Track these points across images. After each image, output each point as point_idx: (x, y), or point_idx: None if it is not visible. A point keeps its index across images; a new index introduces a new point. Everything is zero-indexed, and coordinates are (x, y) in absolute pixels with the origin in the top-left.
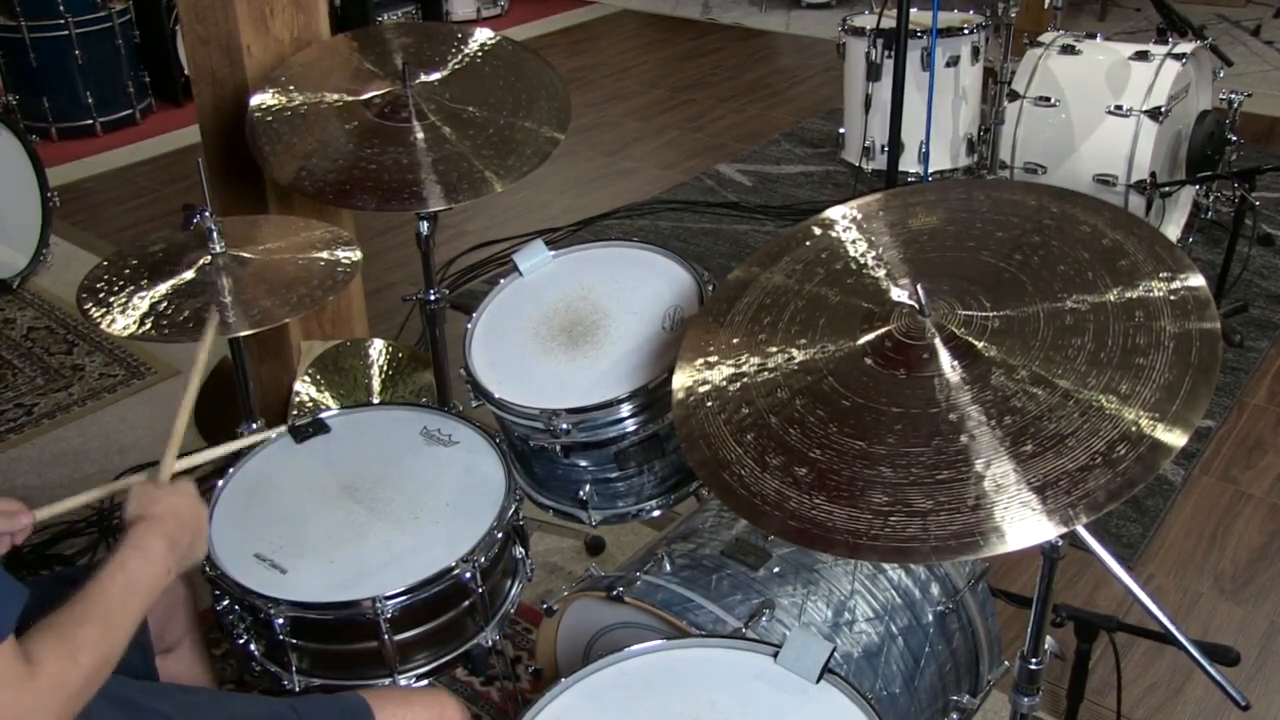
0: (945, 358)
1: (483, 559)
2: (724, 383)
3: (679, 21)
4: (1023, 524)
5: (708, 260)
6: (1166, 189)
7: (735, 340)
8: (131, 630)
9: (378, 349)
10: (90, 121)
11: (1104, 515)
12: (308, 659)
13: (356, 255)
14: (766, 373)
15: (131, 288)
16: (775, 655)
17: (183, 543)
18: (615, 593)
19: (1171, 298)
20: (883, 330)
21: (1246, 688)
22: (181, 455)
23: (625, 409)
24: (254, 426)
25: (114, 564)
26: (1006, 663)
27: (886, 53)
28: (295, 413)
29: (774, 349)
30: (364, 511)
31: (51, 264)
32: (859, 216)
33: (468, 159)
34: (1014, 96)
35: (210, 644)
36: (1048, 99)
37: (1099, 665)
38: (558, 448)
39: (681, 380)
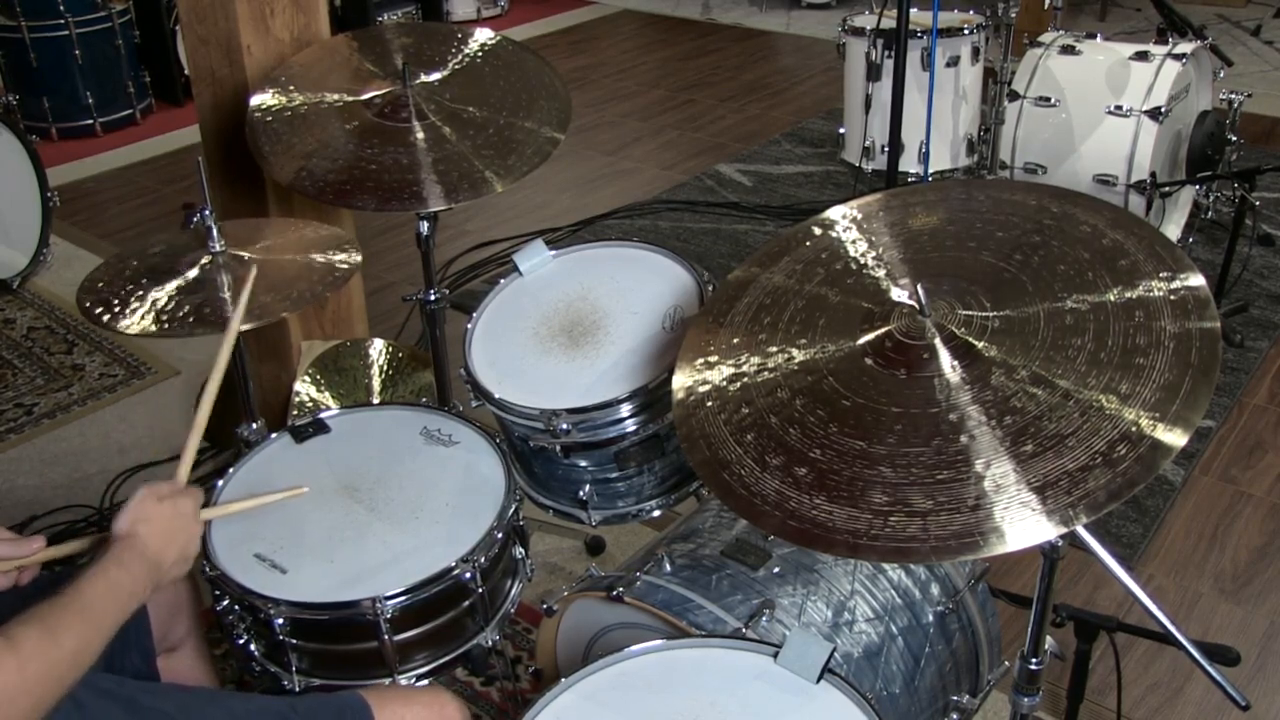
0: (945, 358)
1: (483, 559)
2: (724, 383)
3: (679, 21)
4: (1023, 524)
5: (708, 260)
6: (1166, 189)
7: (735, 340)
8: (109, 634)
9: (378, 349)
10: (90, 121)
11: (1104, 515)
12: (307, 659)
13: (356, 257)
14: (766, 373)
15: (131, 287)
16: (775, 655)
17: (165, 563)
18: (615, 593)
19: (1171, 298)
20: (883, 330)
21: (1246, 688)
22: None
23: (625, 409)
24: (254, 427)
25: (96, 569)
26: (1006, 663)
27: (886, 53)
28: (295, 413)
29: (774, 349)
30: (364, 511)
31: (51, 264)
32: (859, 216)
33: (468, 159)
34: (1014, 96)
35: (210, 644)
36: (1048, 99)
37: (1099, 665)
38: (558, 448)
39: (681, 380)
